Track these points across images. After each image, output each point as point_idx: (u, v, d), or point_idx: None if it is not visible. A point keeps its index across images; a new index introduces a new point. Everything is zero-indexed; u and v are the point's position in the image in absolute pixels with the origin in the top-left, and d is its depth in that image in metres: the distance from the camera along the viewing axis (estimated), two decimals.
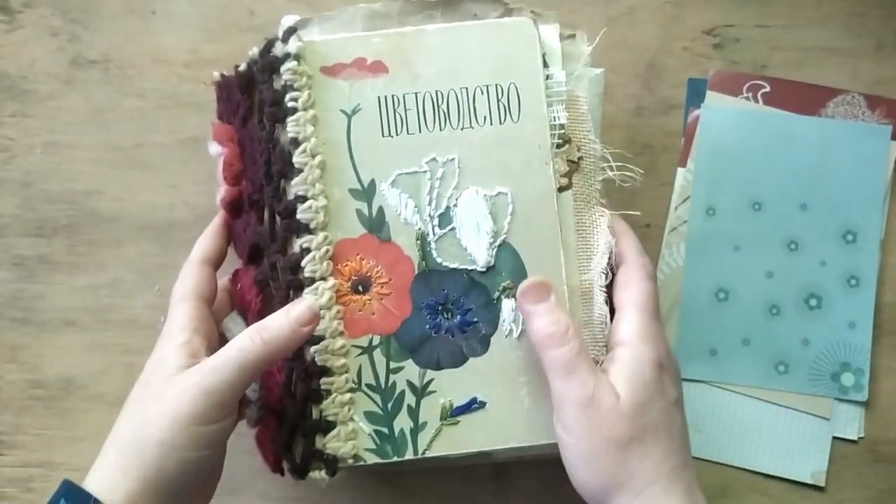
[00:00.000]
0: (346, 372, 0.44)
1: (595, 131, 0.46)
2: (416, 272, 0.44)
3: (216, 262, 0.46)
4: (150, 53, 0.55)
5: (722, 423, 0.53)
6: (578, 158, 0.45)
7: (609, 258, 0.44)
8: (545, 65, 0.44)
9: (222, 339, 0.45)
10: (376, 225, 0.44)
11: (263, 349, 0.40)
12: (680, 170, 0.54)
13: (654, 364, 0.40)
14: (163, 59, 0.55)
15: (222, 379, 0.39)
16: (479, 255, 0.44)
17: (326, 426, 0.43)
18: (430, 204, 0.44)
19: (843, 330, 0.53)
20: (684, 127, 0.54)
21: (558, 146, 0.44)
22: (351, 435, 0.43)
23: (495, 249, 0.44)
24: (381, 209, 0.44)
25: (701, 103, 0.54)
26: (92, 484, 0.39)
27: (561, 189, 0.44)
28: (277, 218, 0.43)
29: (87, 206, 0.55)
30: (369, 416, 0.44)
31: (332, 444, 0.43)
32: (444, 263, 0.44)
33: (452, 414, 0.43)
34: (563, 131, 0.44)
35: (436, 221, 0.44)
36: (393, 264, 0.44)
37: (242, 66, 0.45)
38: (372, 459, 0.44)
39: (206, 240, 0.46)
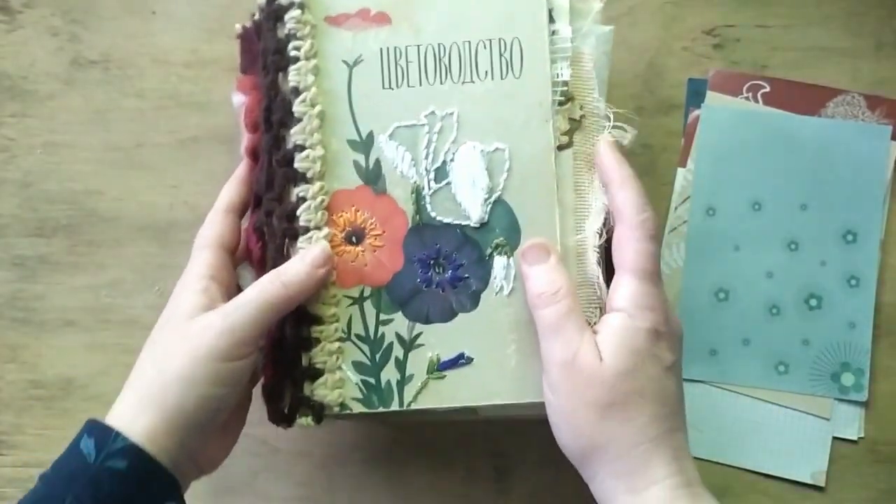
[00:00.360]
0: (337, 321, 0.44)
1: (601, 90, 0.45)
2: (410, 226, 0.44)
3: (241, 211, 0.46)
4: (150, 53, 0.55)
5: (722, 423, 0.53)
6: (581, 117, 0.44)
7: (605, 219, 0.43)
8: (551, 20, 0.44)
9: (239, 288, 0.45)
10: (372, 177, 0.44)
11: (283, 290, 0.41)
12: (680, 170, 0.54)
13: (647, 332, 0.39)
14: (163, 59, 0.55)
15: (244, 317, 0.40)
16: (474, 210, 0.43)
17: (314, 374, 0.43)
18: (426, 158, 0.44)
19: (843, 330, 0.53)
20: (684, 127, 0.54)
21: (560, 104, 0.44)
22: (338, 383, 0.44)
23: (490, 206, 0.43)
24: (377, 161, 0.44)
25: (701, 103, 0.54)
26: (112, 419, 0.39)
27: (561, 147, 0.44)
28: (276, 166, 0.44)
29: (87, 206, 0.55)
30: (357, 367, 0.44)
31: (320, 391, 0.43)
32: (438, 218, 0.44)
33: (439, 368, 0.43)
34: (565, 88, 0.44)
35: (432, 175, 0.44)
36: (387, 217, 0.44)
37: (257, 15, 0.46)
38: (358, 408, 0.44)
39: (231, 187, 0.46)
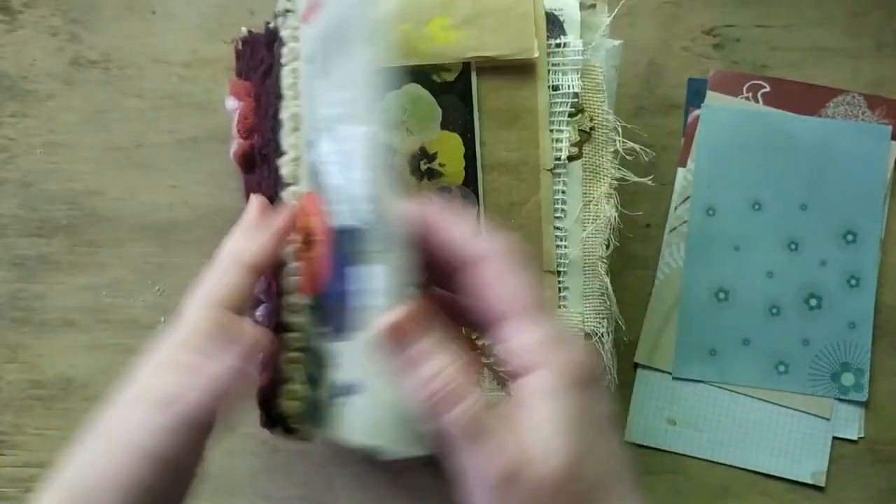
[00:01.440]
0: (300, 330, 0.41)
1: (609, 103, 0.45)
2: (335, 228, 0.37)
3: (259, 268, 0.37)
4: (150, 53, 0.55)
5: (722, 423, 0.53)
6: (590, 129, 0.44)
7: (610, 229, 0.44)
8: (563, 32, 0.44)
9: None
10: (314, 177, 0.40)
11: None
12: (680, 170, 0.54)
13: (581, 387, 0.29)
14: (163, 59, 0.55)
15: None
16: (361, 209, 0.35)
17: (280, 383, 0.41)
18: (339, 152, 0.37)
19: (843, 330, 0.53)
20: (684, 127, 0.54)
21: (571, 115, 0.44)
22: (292, 395, 0.41)
23: (373, 203, 0.34)
24: (315, 160, 0.40)
25: (701, 103, 0.54)
26: None
27: (571, 158, 0.44)
28: (272, 171, 0.43)
29: (87, 206, 0.55)
30: (309, 380, 0.40)
31: (283, 402, 0.41)
32: (346, 220, 0.36)
33: (336, 393, 0.37)
34: (576, 100, 0.44)
35: (338, 169, 0.37)
36: (322, 220, 0.39)
37: (272, 23, 0.46)
38: (301, 426, 0.41)
39: (248, 237, 0.38)
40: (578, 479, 0.27)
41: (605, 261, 0.44)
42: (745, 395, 0.53)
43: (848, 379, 0.53)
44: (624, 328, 0.47)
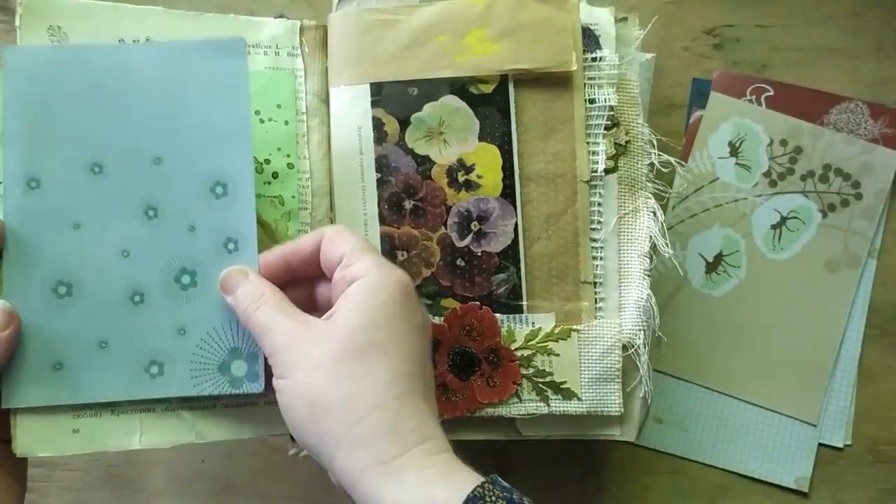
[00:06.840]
0: None
1: (643, 115, 0.45)
2: None
3: None
4: None
5: (708, 423, 0.53)
6: (626, 142, 0.44)
7: (650, 242, 0.44)
8: (598, 46, 0.44)
9: None
10: None
11: None
12: (679, 170, 0.54)
13: (391, 289, 0.37)
14: None
15: None
16: None
17: None
18: None
19: (226, 308, 0.41)
20: (686, 126, 0.54)
21: (607, 128, 0.44)
22: None
23: None
24: None
25: (704, 104, 0.54)
26: None
27: (607, 171, 0.44)
28: None
29: None
30: None
31: None
32: None
33: None
34: (611, 113, 0.44)
35: None
36: None
37: None
38: None
39: None
40: (352, 337, 0.36)
41: (648, 274, 0.44)
42: (732, 396, 0.53)
43: (239, 368, 0.41)
44: (665, 340, 0.46)
